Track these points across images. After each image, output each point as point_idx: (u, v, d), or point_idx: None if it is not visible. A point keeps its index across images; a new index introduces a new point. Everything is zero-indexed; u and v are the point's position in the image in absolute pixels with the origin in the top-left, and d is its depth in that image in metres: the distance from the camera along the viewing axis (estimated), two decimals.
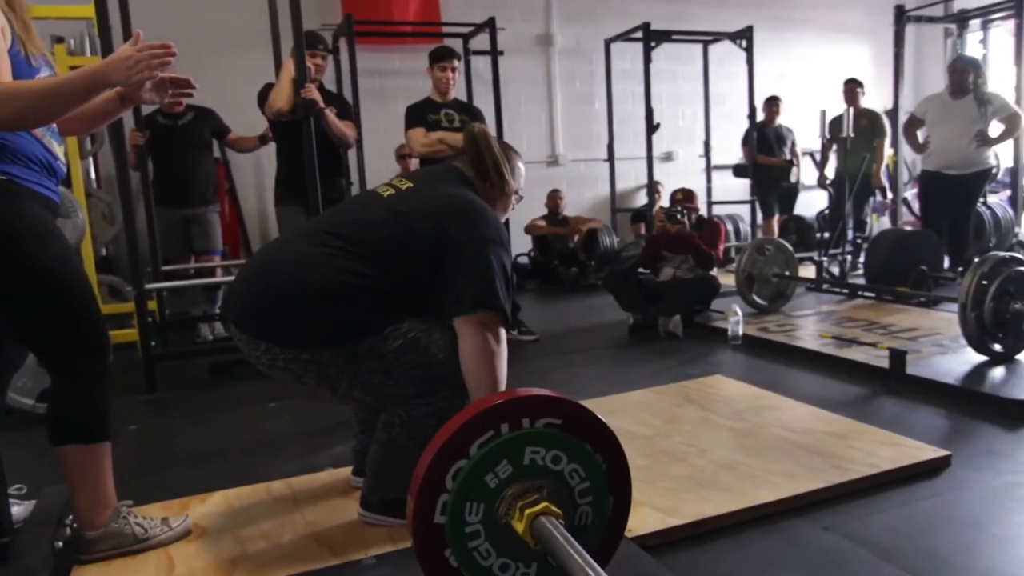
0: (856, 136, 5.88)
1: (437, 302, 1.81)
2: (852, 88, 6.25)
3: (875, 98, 7.99)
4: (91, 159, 5.12)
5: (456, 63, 4.10)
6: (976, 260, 3.26)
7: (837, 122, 6.01)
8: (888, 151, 6.94)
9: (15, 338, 1.81)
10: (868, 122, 6.11)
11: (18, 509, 1.97)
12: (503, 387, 1.73)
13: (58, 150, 1.77)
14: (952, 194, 5.13)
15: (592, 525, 1.46)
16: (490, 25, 5.48)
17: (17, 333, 1.76)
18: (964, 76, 5.04)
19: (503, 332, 1.77)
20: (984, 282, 3.12)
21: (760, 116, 6.69)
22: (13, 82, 1.58)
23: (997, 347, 3.19)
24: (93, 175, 5.20)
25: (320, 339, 1.74)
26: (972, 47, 7.49)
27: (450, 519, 1.35)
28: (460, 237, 1.78)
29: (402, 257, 1.78)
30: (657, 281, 4.43)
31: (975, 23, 6.93)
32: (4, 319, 1.71)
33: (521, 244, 6.55)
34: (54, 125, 1.74)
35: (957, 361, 3.26)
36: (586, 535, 1.43)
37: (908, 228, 5.82)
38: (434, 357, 1.78)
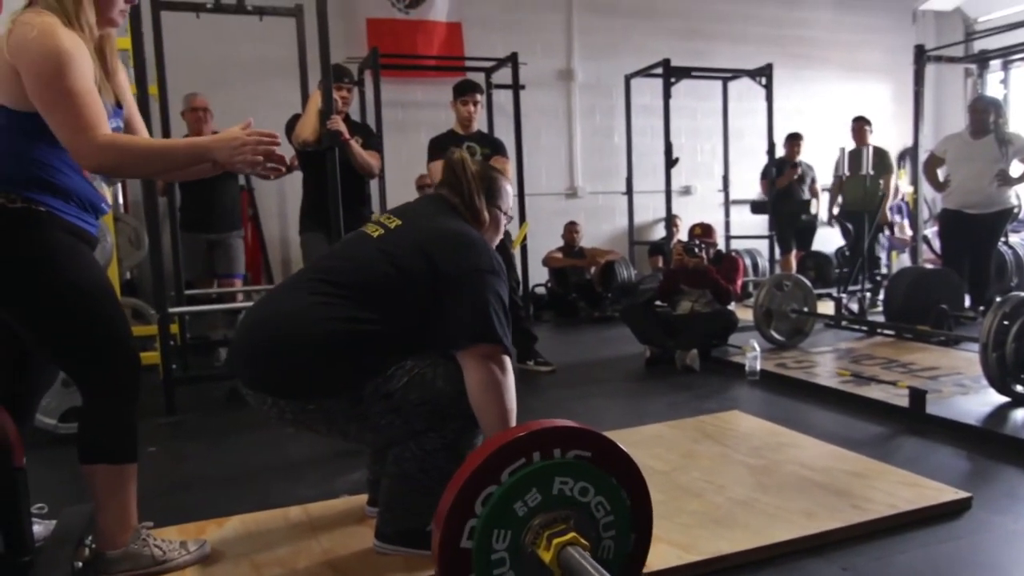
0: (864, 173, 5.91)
1: (437, 337, 1.81)
2: (861, 126, 6.28)
3: (895, 136, 8.02)
4: (119, 185, 5.23)
5: (479, 97, 4.17)
6: (998, 300, 3.23)
7: (855, 157, 6.03)
8: (908, 188, 6.94)
9: (48, 359, 1.85)
10: (877, 159, 6.13)
11: (39, 528, 1.99)
12: (513, 417, 1.73)
13: (106, 192, 1.85)
14: (973, 233, 5.11)
15: (613, 560, 1.46)
16: (512, 60, 5.59)
17: (50, 355, 1.80)
18: (985, 116, 5.05)
19: (507, 361, 1.76)
20: (1006, 322, 3.09)
21: (780, 152, 6.72)
22: (123, 137, 1.71)
23: (1019, 388, 3.15)
24: (121, 200, 5.31)
25: (322, 389, 1.74)
26: (993, 87, 7.51)
27: (477, 544, 1.35)
28: (452, 271, 1.77)
29: (396, 298, 1.77)
30: (675, 315, 4.43)
31: (995, 63, 6.94)
32: (38, 340, 1.76)
33: (538, 275, 6.58)
34: None
35: (978, 402, 3.23)
36: (607, 569, 1.42)
37: (929, 266, 5.79)
38: (441, 391, 1.77)
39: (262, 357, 1.78)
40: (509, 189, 2.08)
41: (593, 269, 6.67)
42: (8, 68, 1.62)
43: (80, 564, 1.82)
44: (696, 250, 4.34)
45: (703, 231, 4.55)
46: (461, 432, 1.79)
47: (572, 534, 1.36)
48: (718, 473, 2.45)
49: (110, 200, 1.89)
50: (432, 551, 1.40)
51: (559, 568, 1.34)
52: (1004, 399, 3.18)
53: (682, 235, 6.11)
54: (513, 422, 1.72)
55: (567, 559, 1.34)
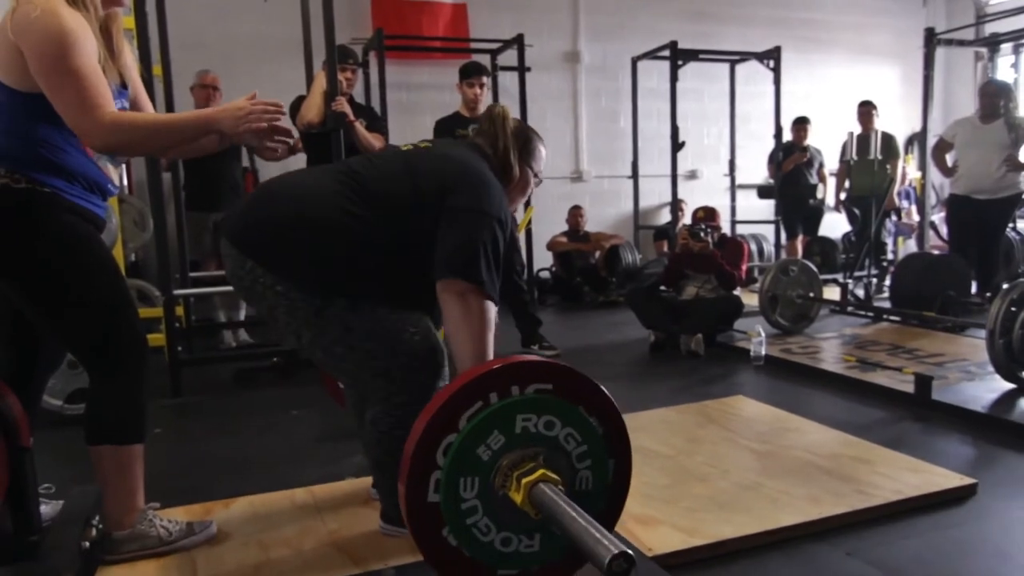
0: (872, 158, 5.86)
1: (428, 265, 1.74)
2: (867, 110, 6.22)
3: (903, 120, 7.95)
4: (124, 166, 5.22)
5: (485, 79, 4.14)
6: (1005, 286, 3.22)
7: (863, 142, 5.99)
8: (915, 173, 6.90)
9: (55, 340, 1.86)
10: (884, 144, 6.08)
11: (46, 508, 2.00)
12: (490, 354, 1.66)
13: (113, 173, 1.84)
14: (981, 219, 5.07)
15: (594, 490, 1.43)
16: (518, 42, 5.54)
17: (57, 335, 1.81)
18: (995, 100, 5.00)
19: (487, 304, 1.68)
20: (1013, 309, 3.08)
21: (788, 136, 6.67)
22: (128, 114, 1.69)
23: None
24: (126, 181, 5.30)
25: (300, 274, 1.70)
26: (1003, 71, 7.43)
27: (444, 497, 1.31)
28: (459, 204, 1.73)
29: (404, 214, 1.74)
30: (680, 300, 4.42)
31: (1006, 47, 6.87)
32: (43, 321, 1.76)
33: (543, 260, 6.57)
34: None
35: (984, 388, 3.22)
36: (588, 500, 1.41)
37: (936, 252, 5.76)
38: (398, 355, 1.73)
39: (264, 220, 1.74)
40: (543, 151, 2.03)
41: (598, 253, 6.65)
42: (11, 47, 1.61)
43: (87, 544, 1.83)
44: (702, 234, 4.32)
45: (706, 215, 4.52)
46: (408, 408, 1.72)
47: (541, 471, 1.31)
48: (723, 458, 2.45)
49: (117, 181, 1.88)
50: (401, 509, 1.36)
51: (533, 508, 1.30)
52: (1010, 386, 3.17)
53: (687, 219, 6.09)
54: (487, 349, 1.67)
55: (539, 497, 1.29)
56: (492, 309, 1.69)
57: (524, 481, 1.31)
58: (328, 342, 1.74)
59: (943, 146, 5.31)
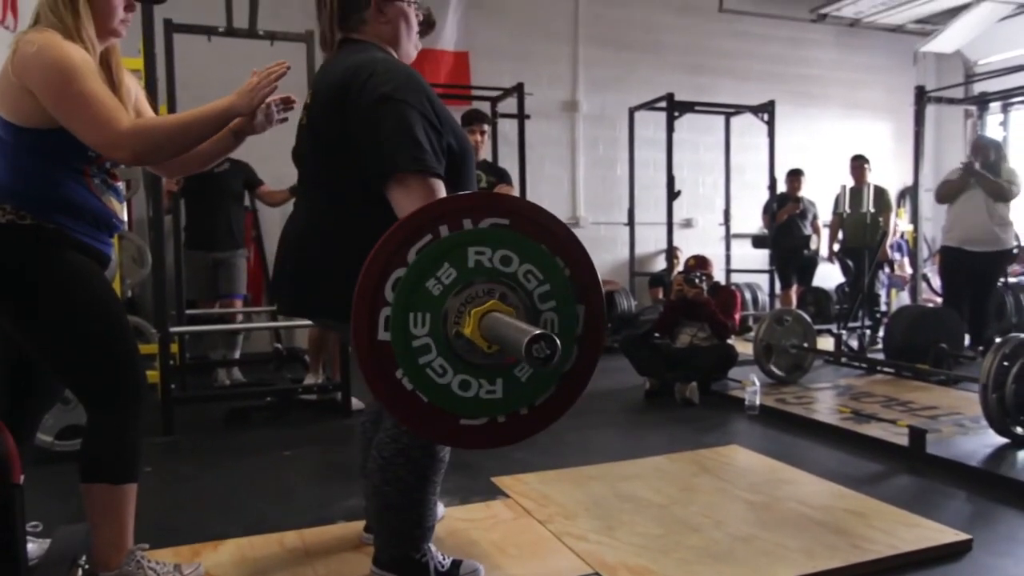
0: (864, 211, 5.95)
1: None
2: (859, 164, 6.32)
3: (895, 175, 8.08)
4: (124, 204, 5.25)
5: (486, 127, 4.20)
6: (998, 340, 3.24)
7: (855, 195, 6.08)
8: (907, 226, 6.98)
9: (54, 377, 1.86)
10: (877, 197, 6.17)
11: (33, 547, 1.98)
12: None
13: (117, 207, 1.86)
14: (974, 271, 5.13)
15: (562, 335, 1.29)
16: (518, 90, 5.65)
17: (57, 372, 1.81)
18: (986, 153, 5.12)
19: (434, 185, 1.52)
20: (1006, 363, 3.09)
21: (782, 188, 6.76)
22: (147, 119, 1.73)
23: (1019, 430, 3.14)
24: (126, 219, 5.33)
25: (331, 301, 1.59)
26: (992, 129, 7.59)
27: (394, 333, 1.24)
28: (364, 101, 1.56)
29: (345, 179, 1.64)
30: (674, 347, 4.44)
31: (995, 106, 7.03)
32: (43, 357, 1.77)
33: None
34: (120, 184, 1.83)
35: (978, 442, 3.22)
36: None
37: (929, 304, 5.80)
38: None
39: (295, 278, 1.77)
40: None
41: None
42: (14, 86, 1.64)
43: None
44: (696, 280, 4.35)
45: (698, 263, 4.57)
46: (411, 437, 1.71)
47: (492, 302, 1.24)
48: (717, 508, 2.43)
49: (123, 217, 1.90)
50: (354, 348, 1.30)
51: (483, 340, 1.22)
52: (1004, 440, 3.16)
53: (682, 267, 6.13)
54: None
55: (488, 323, 1.21)
56: (438, 186, 1.54)
57: (475, 311, 1.23)
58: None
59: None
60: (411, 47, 1.83)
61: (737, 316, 4.53)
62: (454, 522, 2.32)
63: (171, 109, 4.04)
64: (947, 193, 5.28)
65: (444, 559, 1.88)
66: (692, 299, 4.35)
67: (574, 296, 1.34)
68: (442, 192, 1.53)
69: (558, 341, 1.10)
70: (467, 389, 1.30)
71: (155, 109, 3.49)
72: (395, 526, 1.83)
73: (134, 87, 1.91)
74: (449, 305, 1.25)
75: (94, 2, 1.71)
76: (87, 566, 1.83)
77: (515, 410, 1.37)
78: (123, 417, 1.76)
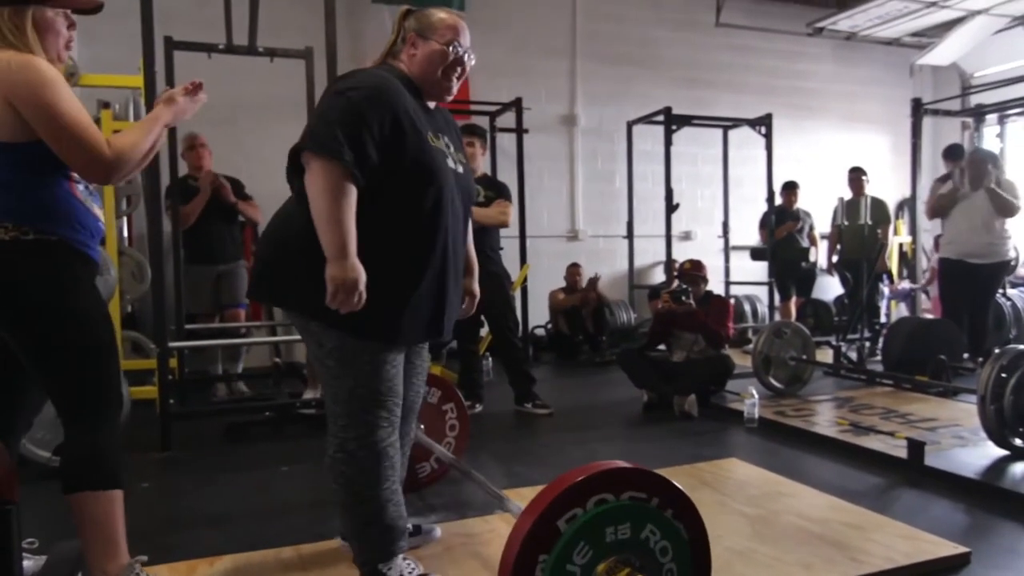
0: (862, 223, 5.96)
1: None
2: (857, 176, 6.34)
3: (893, 187, 8.10)
4: (125, 219, 5.27)
5: (477, 141, 4.17)
6: (995, 352, 3.24)
7: (852, 207, 6.10)
8: (906, 238, 6.99)
9: (39, 385, 1.85)
10: (875, 209, 6.19)
11: (29, 564, 1.98)
12: (334, 223, 1.64)
13: (98, 212, 1.88)
14: (972, 283, 5.13)
15: None
16: (517, 104, 5.69)
17: (42, 381, 1.81)
18: (983, 166, 5.13)
19: (325, 163, 1.64)
20: (1003, 375, 3.10)
21: (778, 201, 6.79)
22: (117, 139, 1.76)
23: (1018, 441, 3.14)
24: (126, 233, 5.35)
25: (291, 293, 1.84)
26: (989, 140, 7.62)
27: None
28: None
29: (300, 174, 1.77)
30: (671, 361, 4.43)
31: (992, 117, 7.06)
32: (33, 366, 1.77)
33: (538, 317, 6.59)
34: (101, 188, 1.87)
35: (977, 455, 3.21)
36: None
37: (928, 316, 5.80)
38: (342, 382, 1.80)
39: (260, 262, 1.96)
40: (442, 18, 1.90)
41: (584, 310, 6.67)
42: None
43: None
44: (683, 297, 4.32)
45: (693, 267, 4.53)
46: (347, 432, 1.80)
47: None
48: (715, 522, 2.41)
49: (102, 219, 1.92)
50: None
51: None
52: (1003, 452, 3.16)
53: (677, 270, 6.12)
54: (336, 227, 1.64)
55: None
56: (336, 173, 1.64)
57: None
58: (313, 356, 1.87)
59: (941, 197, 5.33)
60: (431, 73, 1.89)
61: (731, 325, 4.51)
62: (453, 537, 2.32)
63: (171, 127, 4.06)
64: (940, 208, 5.30)
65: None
66: (680, 312, 4.31)
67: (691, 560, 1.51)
68: (340, 180, 1.64)
69: None
70: None
71: None
72: (352, 526, 1.87)
73: None
74: None
75: (39, 28, 1.73)
76: None
77: None
78: (101, 428, 1.78)
